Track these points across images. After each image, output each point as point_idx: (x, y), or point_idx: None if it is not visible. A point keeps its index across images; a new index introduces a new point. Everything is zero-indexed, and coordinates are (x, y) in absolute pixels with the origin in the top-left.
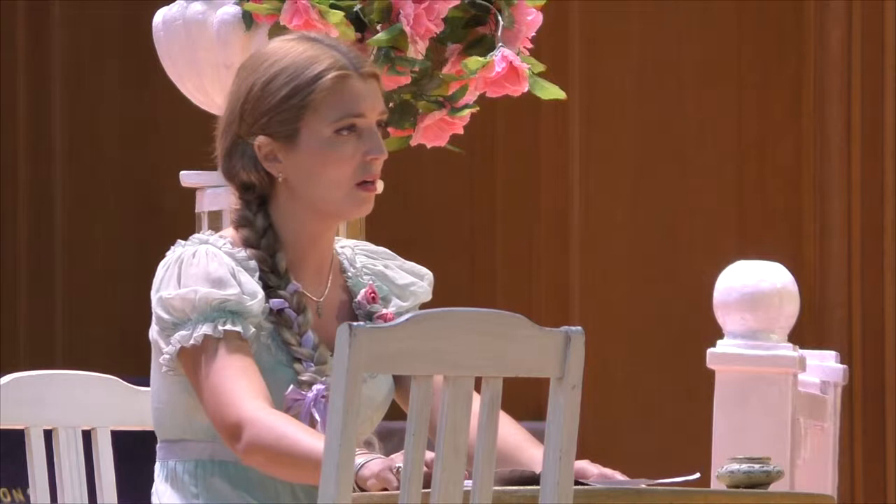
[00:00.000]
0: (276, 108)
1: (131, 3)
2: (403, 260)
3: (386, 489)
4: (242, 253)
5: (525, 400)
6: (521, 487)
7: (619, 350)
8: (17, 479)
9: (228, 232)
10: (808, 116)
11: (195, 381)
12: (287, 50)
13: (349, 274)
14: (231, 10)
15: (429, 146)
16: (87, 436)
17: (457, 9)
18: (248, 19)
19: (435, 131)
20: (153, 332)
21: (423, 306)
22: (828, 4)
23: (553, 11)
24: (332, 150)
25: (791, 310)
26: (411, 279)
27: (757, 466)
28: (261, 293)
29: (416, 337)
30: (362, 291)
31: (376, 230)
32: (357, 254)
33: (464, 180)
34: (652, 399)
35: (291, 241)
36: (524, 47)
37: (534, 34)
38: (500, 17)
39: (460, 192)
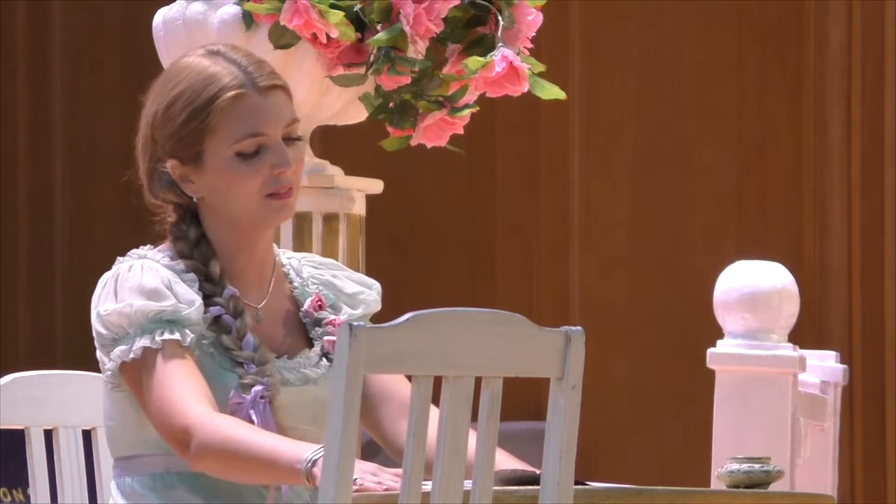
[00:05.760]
0: (179, 132)
1: (131, 3)
2: (351, 271)
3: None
4: (181, 265)
5: (525, 400)
6: (521, 487)
7: (619, 350)
8: (17, 479)
9: (167, 245)
10: (808, 116)
11: (139, 394)
12: (188, 70)
13: (295, 284)
14: (231, 10)
15: (429, 146)
16: (87, 436)
17: (457, 9)
18: (248, 19)
19: (435, 131)
20: (97, 349)
21: (376, 318)
22: (828, 4)
23: (553, 11)
24: (236, 169)
25: (791, 310)
26: (360, 288)
27: (757, 466)
28: (199, 301)
29: (416, 337)
30: (308, 300)
31: (376, 230)
32: (303, 265)
33: (464, 180)
34: (652, 399)
35: (223, 250)
36: (524, 47)
37: (534, 34)
38: (500, 17)
39: (460, 192)
